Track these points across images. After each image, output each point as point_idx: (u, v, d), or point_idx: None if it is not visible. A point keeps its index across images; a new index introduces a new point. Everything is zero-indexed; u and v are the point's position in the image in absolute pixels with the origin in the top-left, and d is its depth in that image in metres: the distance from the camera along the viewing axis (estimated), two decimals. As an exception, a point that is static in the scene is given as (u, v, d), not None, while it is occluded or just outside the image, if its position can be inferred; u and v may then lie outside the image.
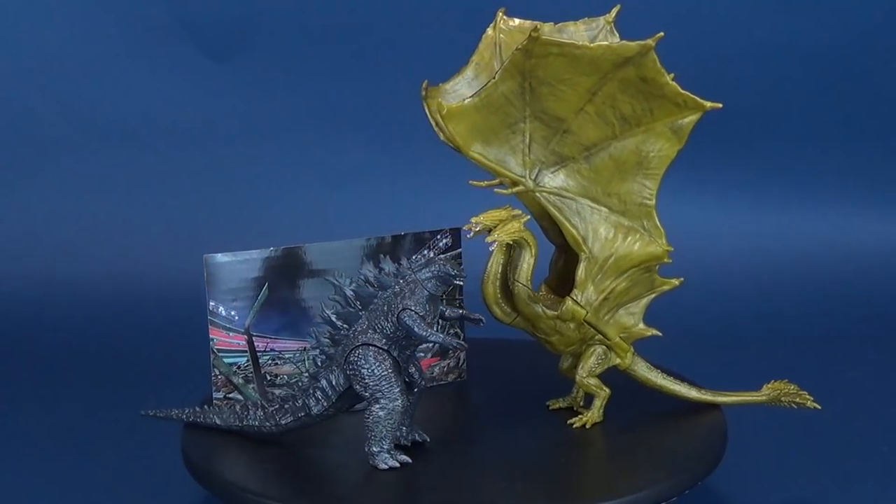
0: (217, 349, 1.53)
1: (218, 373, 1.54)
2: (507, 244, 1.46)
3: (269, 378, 1.55)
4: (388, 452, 1.41)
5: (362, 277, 1.43)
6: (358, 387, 1.41)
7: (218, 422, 1.50)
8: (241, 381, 1.55)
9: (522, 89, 1.42)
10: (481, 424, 1.54)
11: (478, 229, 1.46)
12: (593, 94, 1.42)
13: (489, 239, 1.46)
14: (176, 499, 1.56)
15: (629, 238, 1.48)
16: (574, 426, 1.51)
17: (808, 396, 1.54)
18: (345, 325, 1.43)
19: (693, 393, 1.55)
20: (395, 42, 2.20)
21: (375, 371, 1.40)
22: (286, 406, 1.46)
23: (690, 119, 1.44)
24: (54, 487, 1.60)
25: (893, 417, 1.74)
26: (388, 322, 1.40)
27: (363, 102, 2.22)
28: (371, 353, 1.41)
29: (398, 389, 1.40)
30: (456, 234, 1.61)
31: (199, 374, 1.60)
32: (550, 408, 1.56)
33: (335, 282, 1.45)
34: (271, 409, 1.47)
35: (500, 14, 1.49)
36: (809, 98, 2.15)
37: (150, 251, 2.15)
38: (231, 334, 1.54)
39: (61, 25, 2.20)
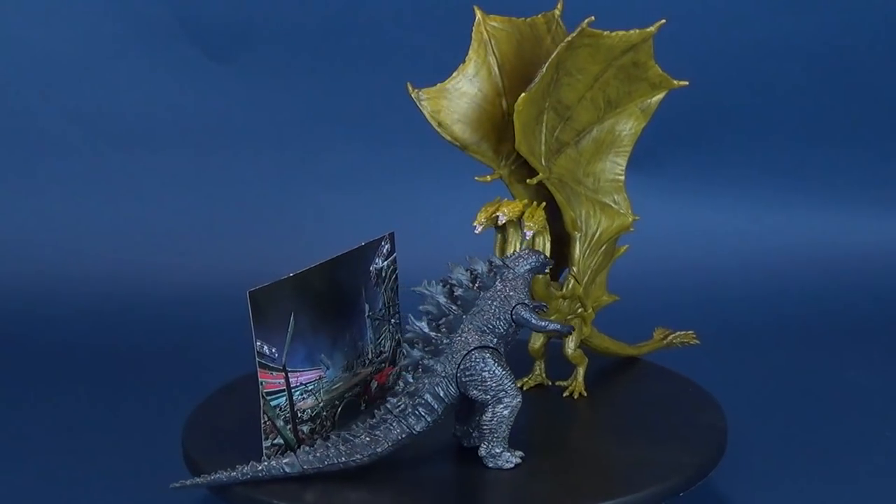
0: (266, 392, 1.38)
1: (267, 418, 1.39)
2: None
3: (297, 415, 1.43)
4: (509, 451, 1.40)
5: (455, 282, 1.39)
6: (476, 391, 1.38)
7: (289, 471, 1.36)
8: (281, 423, 1.41)
9: (552, 81, 1.47)
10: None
11: (502, 222, 1.49)
12: (595, 81, 1.52)
13: (526, 229, 1.49)
14: (176, 499, 1.45)
15: (605, 213, 1.59)
16: (574, 397, 1.59)
17: (691, 335, 1.75)
18: (445, 334, 1.39)
19: (628, 350, 1.70)
20: (396, 42, 2.06)
21: (497, 371, 1.38)
22: (378, 433, 1.38)
23: (658, 98, 1.58)
24: (54, 487, 1.58)
25: (894, 417, 1.75)
26: (500, 321, 1.39)
27: (364, 103, 2.09)
28: (488, 354, 1.39)
29: (516, 386, 1.40)
30: (391, 238, 1.59)
31: (198, 374, 1.61)
32: (524, 389, 1.62)
33: (426, 290, 1.39)
34: (358, 440, 1.37)
35: (478, 11, 1.52)
36: (808, 97, 2.16)
37: (149, 251, 2.11)
38: (274, 374, 1.40)
39: (61, 25, 2.14)
